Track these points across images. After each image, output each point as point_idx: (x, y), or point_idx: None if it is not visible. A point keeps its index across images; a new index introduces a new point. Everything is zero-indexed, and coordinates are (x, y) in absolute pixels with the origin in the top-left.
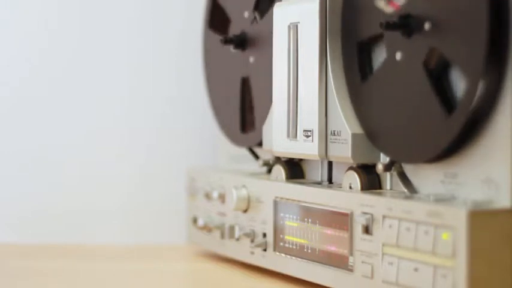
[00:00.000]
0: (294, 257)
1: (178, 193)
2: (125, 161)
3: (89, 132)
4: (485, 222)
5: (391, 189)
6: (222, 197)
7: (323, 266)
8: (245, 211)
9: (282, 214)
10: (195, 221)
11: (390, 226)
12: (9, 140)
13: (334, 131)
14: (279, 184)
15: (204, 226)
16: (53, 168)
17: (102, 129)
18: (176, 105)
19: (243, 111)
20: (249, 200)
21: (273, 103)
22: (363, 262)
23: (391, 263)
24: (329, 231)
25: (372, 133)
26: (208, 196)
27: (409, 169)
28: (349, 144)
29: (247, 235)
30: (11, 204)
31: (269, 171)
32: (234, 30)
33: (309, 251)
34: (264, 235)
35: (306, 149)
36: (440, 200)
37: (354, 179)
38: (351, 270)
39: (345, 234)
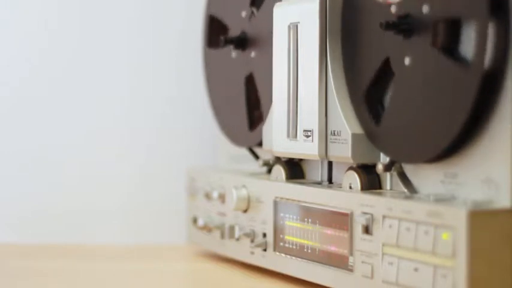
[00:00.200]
0: (294, 257)
1: (178, 193)
2: (125, 161)
3: (89, 132)
4: (485, 222)
5: (391, 189)
6: (222, 197)
7: (323, 266)
8: (245, 211)
9: (282, 214)
10: (195, 221)
11: (390, 226)
12: (9, 140)
13: (334, 131)
14: (279, 184)
15: (204, 226)
16: (53, 168)
17: (102, 129)
18: (176, 105)
19: (249, 109)
20: (249, 200)
21: (273, 103)
22: (363, 262)
23: (391, 263)
24: (329, 231)
25: (372, 133)
26: (208, 196)
27: (409, 169)
28: (349, 144)
29: (247, 235)
30: (11, 204)
31: (269, 171)
32: (233, 33)
33: (309, 251)
34: (264, 235)
35: (306, 149)
36: (440, 200)
37: (354, 179)
38: (351, 270)
39: (345, 234)
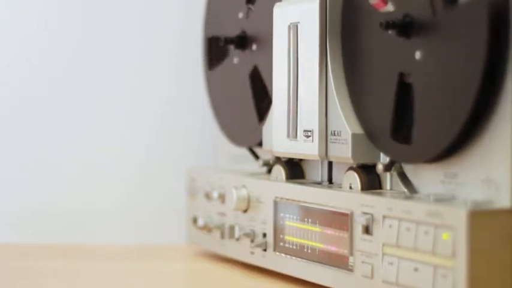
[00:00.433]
0: (294, 257)
1: (178, 193)
2: (125, 161)
3: (89, 132)
4: (485, 222)
5: (391, 189)
6: (222, 197)
7: (323, 266)
8: (245, 211)
9: (282, 214)
10: (195, 221)
11: (390, 226)
12: (9, 140)
13: (334, 131)
14: (279, 184)
15: (204, 226)
16: (53, 168)
17: (102, 129)
18: (176, 105)
19: (257, 102)
20: (249, 200)
21: (273, 103)
22: (363, 262)
23: (391, 263)
24: (329, 231)
25: (372, 133)
26: (208, 196)
27: (409, 169)
28: (349, 144)
29: (247, 235)
30: (11, 204)
31: (269, 171)
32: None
33: (309, 251)
34: (264, 235)
35: (306, 149)
36: (440, 200)
37: (354, 179)
38: (351, 270)
39: (345, 234)
